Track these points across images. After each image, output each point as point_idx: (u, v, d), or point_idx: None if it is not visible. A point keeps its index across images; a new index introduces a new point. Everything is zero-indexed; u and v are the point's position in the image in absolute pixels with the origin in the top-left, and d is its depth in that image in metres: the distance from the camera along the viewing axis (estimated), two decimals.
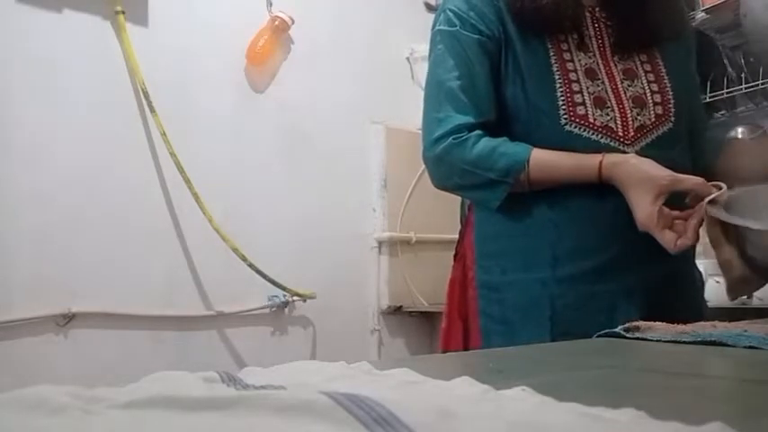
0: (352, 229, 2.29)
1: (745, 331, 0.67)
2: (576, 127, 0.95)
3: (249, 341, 2.03)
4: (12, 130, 1.70)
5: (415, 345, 2.37)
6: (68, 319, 1.73)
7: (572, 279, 0.95)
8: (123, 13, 1.84)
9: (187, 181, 1.87)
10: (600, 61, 0.99)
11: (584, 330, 0.79)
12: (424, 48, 2.46)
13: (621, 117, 0.97)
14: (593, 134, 0.95)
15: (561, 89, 0.96)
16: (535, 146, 0.94)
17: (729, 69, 1.95)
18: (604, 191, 0.93)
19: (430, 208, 2.43)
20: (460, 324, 1.04)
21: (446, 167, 0.99)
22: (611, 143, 0.95)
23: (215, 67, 2.04)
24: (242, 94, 2.10)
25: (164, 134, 1.85)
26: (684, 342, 0.69)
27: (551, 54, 0.97)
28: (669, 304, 0.93)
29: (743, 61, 1.94)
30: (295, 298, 2.10)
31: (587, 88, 0.97)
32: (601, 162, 0.91)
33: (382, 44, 2.45)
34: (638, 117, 0.98)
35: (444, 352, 1.07)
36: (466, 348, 1.03)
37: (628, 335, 0.74)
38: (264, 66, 2.13)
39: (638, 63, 1.01)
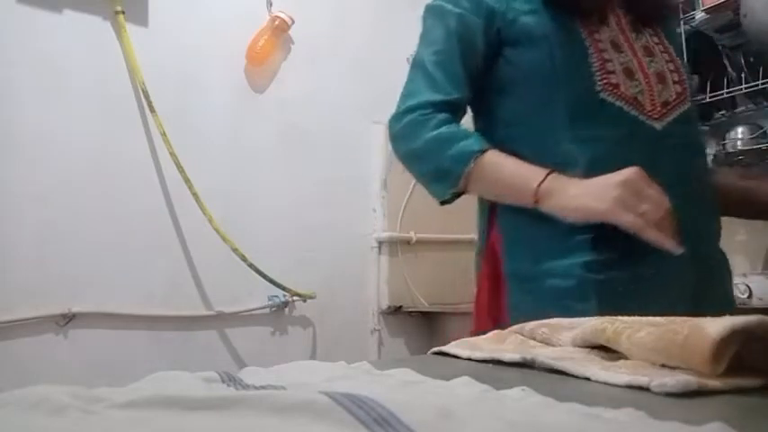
0: (352, 229, 2.29)
1: None
2: (609, 95, 0.92)
3: (249, 341, 2.03)
4: (12, 130, 1.70)
5: (415, 345, 2.37)
6: (68, 319, 1.73)
7: (614, 262, 0.88)
8: (123, 13, 1.85)
9: (187, 181, 1.87)
10: (620, 36, 0.97)
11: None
12: None
13: (648, 90, 0.94)
14: (624, 105, 0.92)
15: (594, 56, 0.93)
16: (559, 112, 0.91)
17: (729, 69, 1.95)
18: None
19: (430, 208, 2.42)
20: (492, 326, 0.94)
21: (402, 142, 0.97)
22: (641, 116, 0.93)
23: (215, 67, 2.04)
24: (242, 94, 2.10)
25: (164, 134, 1.85)
26: None
27: (578, 23, 0.95)
28: (705, 291, 0.91)
29: (743, 61, 1.93)
30: (295, 298, 2.10)
31: (617, 58, 0.95)
32: (539, 185, 0.87)
33: (382, 44, 2.44)
34: (662, 93, 0.95)
35: None
36: None
37: None
38: (264, 66, 2.13)
39: (652, 42, 1.00)
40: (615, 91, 0.92)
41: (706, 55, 1.97)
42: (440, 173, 0.93)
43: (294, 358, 0.67)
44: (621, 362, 0.58)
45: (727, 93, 1.90)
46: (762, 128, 1.91)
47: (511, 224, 0.97)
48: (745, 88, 1.87)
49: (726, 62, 1.97)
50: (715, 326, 0.48)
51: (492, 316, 0.97)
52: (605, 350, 0.62)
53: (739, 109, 2.01)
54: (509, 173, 0.91)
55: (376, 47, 2.42)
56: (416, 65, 0.99)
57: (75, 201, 1.76)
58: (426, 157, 0.94)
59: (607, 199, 0.82)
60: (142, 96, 1.86)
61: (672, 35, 1.06)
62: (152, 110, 1.86)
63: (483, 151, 0.91)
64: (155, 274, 1.87)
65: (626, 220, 0.81)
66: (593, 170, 0.87)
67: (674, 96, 0.96)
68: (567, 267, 0.89)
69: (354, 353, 2.18)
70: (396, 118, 0.97)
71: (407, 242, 2.35)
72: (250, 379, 0.46)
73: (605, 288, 0.88)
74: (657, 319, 0.61)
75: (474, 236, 2.81)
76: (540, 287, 0.91)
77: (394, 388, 0.46)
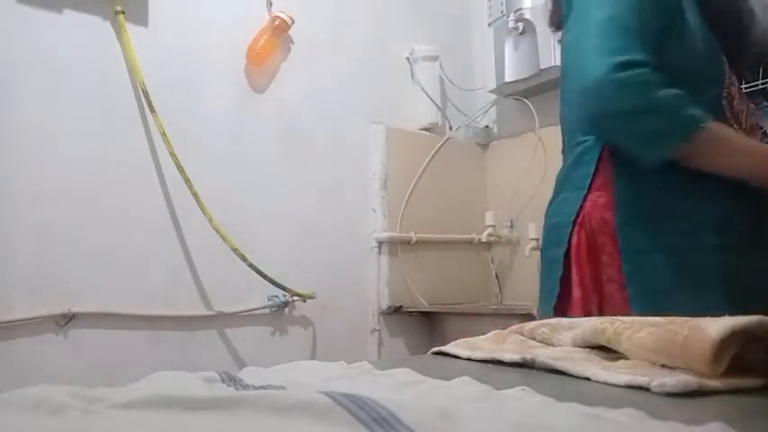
0: (352, 229, 2.29)
1: None
2: (726, 105, 0.98)
3: (249, 341, 2.03)
4: (12, 130, 1.69)
5: (415, 345, 2.37)
6: (68, 319, 1.72)
7: (735, 247, 0.93)
8: (123, 13, 1.84)
9: (187, 181, 1.87)
10: None
11: (752, 304, 0.70)
12: (423, 48, 2.48)
13: (743, 113, 1.02)
14: (731, 118, 0.98)
15: (724, 66, 0.99)
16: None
17: None
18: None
19: (430, 208, 2.43)
20: (596, 293, 0.99)
21: (630, 95, 0.92)
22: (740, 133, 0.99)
23: (215, 67, 2.03)
24: (242, 94, 2.10)
25: (164, 134, 1.85)
26: None
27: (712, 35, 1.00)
28: None
29: None
30: (295, 298, 2.09)
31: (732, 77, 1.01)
32: None
33: (382, 44, 2.45)
34: (747, 120, 1.03)
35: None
36: None
37: None
38: (264, 66, 2.13)
39: None
40: (731, 103, 0.99)
41: None
42: (672, 129, 0.93)
43: (294, 358, 0.67)
44: (621, 362, 0.58)
45: None
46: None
47: (630, 199, 0.99)
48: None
49: None
50: (715, 326, 0.48)
51: (596, 290, 0.99)
52: (605, 350, 0.63)
53: None
54: (741, 141, 0.95)
55: (376, 47, 2.42)
56: (613, 21, 0.95)
57: (75, 201, 1.76)
58: (661, 112, 0.92)
59: None
60: (142, 96, 1.86)
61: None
62: (152, 110, 1.86)
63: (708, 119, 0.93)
64: (155, 274, 1.87)
65: None
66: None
67: (749, 127, 1.04)
68: (690, 248, 0.93)
69: (354, 353, 2.18)
70: (609, 71, 0.92)
71: (407, 242, 2.35)
72: (250, 379, 0.46)
73: (726, 270, 0.92)
74: (657, 319, 0.61)
75: (473, 235, 2.79)
76: (668, 264, 0.93)
77: (394, 388, 0.46)
